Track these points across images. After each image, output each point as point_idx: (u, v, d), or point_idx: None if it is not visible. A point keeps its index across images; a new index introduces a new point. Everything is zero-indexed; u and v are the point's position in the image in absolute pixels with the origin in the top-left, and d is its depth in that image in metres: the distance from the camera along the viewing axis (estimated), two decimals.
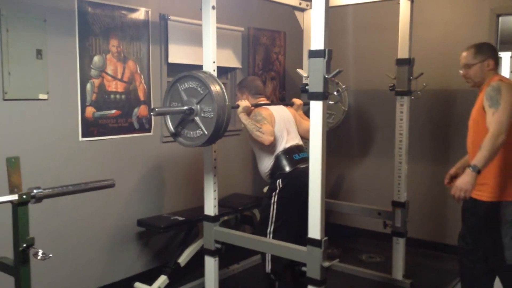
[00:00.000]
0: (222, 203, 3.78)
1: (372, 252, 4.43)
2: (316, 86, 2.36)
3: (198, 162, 3.65)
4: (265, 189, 3.44)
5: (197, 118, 2.66)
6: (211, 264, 3.02)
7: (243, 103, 3.10)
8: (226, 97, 2.62)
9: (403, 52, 3.58)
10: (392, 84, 3.71)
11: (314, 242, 2.44)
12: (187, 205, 3.99)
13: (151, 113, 2.55)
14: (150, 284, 3.50)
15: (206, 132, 2.63)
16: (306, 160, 3.29)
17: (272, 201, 3.15)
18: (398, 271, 3.73)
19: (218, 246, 2.99)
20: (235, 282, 3.84)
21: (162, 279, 3.52)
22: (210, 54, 2.79)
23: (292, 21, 4.15)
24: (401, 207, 3.67)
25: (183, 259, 3.63)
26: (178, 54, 3.84)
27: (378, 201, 4.38)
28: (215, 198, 2.98)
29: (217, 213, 3.00)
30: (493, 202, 2.61)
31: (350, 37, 4.94)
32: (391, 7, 3.84)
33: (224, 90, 2.63)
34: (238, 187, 4.50)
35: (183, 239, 3.77)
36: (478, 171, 2.40)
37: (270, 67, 4.73)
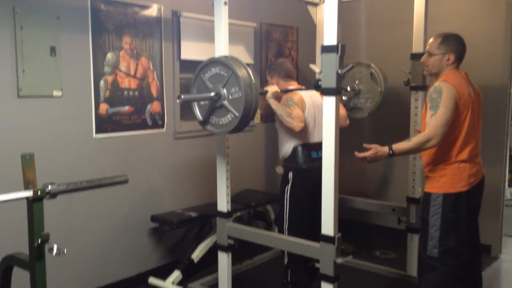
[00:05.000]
0: (235, 199, 3.78)
1: (386, 249, 4.40)
2: (329, 81, 2.34)
3: (211, 158, 3.65)
4: (278, 169, 3.38)
5: (225, 102, 2.60)
6: (224, 260, 3.02)
7: (272, 88, 3.06)
8: (252, 76, 2.56)
9: (417, 47, 3.53)
10: (407, 79, 3.67)
11: (327, 239, 2.43)
12: (200, 201, 4.00)
13: (177, 100, 2.52)
14: (164, 279, 3.53)
15: (237, 114, 2.56)
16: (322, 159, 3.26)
17: (285, 197, 3.15)
18: (413, 268, 3.69)
19: (231, 242, 2.99)
20: (248, 277, 3.84)
21: (176, 274, 3.54)
22: (223, 50, 2.78)
23: (304, 16, 4.13)
24: (416, 203, 3.63)
25: (196, 255, 3.64)
26: (191, 50, 3.85)
27: (392, 197, 4.35)
28: (228, 194, 2.98)
29: (230, 209, 3.00)
30: (427, 193, 2.71)
31: (364, 32, 4.89)
32: (404, 1, 3.79)
33: (248, 69, 2.57)
34: (250, 183, 4.50)
35: (196, 235, 3.78)
36: (392, 156, 2.57)
37: None
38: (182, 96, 2.57)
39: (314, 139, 3.16)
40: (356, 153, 2.62)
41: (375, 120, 4.00)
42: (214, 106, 2.66)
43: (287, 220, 3.14)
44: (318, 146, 3.14)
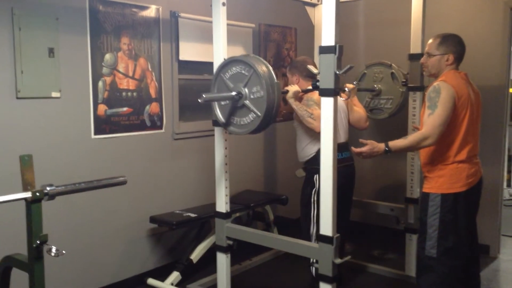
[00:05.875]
0: (234, 199, 3.79)
1: (385, 249, 4.40)
2: (327, 82, 2.35)
3: (210, 159, 3.65)
4: (298, 173, 3.29)
5: (247, 102, 2.53)
6: (223, 261, 3.02)
7: (293, 88, 3.00)
8: (274, 75, 2.49)
9: (415, 47, 3.53)
10: (404, 80, 3.67)
11: (326, 239, 2.43)
12: (199, 202, 4.00)
13: (199, 100, 2.44)
14: (163, 280, 3.53)
15: (259, 114, 2.49)
16: (346, 160, 3.17)
17: (312, 199, 3.08)
18: (411, 268, 3.69)
19: (230, 242, 2.99)
20: (247, 278, 3.85)
21: (175, 275, 3.54)
22: (221, 51, 2.78)
23: (303, 17, 4.13)
24: (414, 204, 3.64)
25: (195, 256, 3.65)
26: (189, 51, 3.85)
27: (391, 197, 4.35)
28: (226, 195, 2.98)
29: (228, 210, 3.00)
30: (425, 193, 2.71)
31: (362, 32, 4.90)
32: (403, 1, 3.79)
33: (270, 67, 2.51)
34: (250, 184, 4.50)
35: (195, 236, 3.79)
36: (388, 153, 2.60)
37: (281, 63, 4.71)
38: (204, 96, 2.46)
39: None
40: (353, 148, 2.67)
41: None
42: (236, 106, 2.59)
43: (315, 224, 3.06)
44: (341, 147, 3.01)
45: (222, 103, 2.68)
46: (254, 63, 2.48)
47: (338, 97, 3.18)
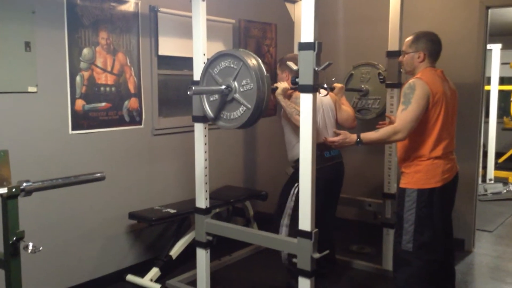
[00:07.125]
0: (213, 195, 3.79)
1: (363, 243, 4.46)
2: (306, 78, 2.36)
3: (189, 155, 3.65)
4: (288, 170, 3.28)
5: (237, 96, 2.53)
6: (202, 256, 3.03)
7: (282, 85, 3.01)
8: (263, 67, 2.50)
9: (393, 44, 3.58)
10: (382, 76, 3.71)
11: (304, 234, 2.46)
12: (178, 198, 3.99)
13: (188, 92, 2.42)
14: (142, 276, 3.52)
15: (249, 106, 2.49)
16: (334, 158, 3.20)
17: (292, 192, 3.07)
18: (388, 262, 3.75)
19: (210, 238, 2.99)
20: (226, 273, 3.86)
21: (154, 271, 3.53)
22: (200, 47, 2.78)
23: (283, 13, 4.14)
24: (391, 199, 3.70)
25: (175, 252, 3.64)
26: (169, 46, 3.83)
27: (368, 192, 4.40)
28: (206, 191, 2.98)
29: (208, 206, 3.01)
30: (402, 189, 2.77)
31: (341, 30, 4.94)
32: None
33: (259, 60, 2.52)
34: (229, 180, 4.50)
35: (175, 232, 3.78)
36: (358, 144, 2.71)
37: (261, 59, 4.70)
38: (194, 88, 2.47)
39: (323, 139, 3.03)
40: (326, 137, 2.82)
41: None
42: (225, 101, 2.59)
43: (289, 215, 3.06)
44: (329, 145, 3.00)
45: (211, 98, 2.68)
46: (244, 56, 2.50)
47: (328, 96, 3.22)
